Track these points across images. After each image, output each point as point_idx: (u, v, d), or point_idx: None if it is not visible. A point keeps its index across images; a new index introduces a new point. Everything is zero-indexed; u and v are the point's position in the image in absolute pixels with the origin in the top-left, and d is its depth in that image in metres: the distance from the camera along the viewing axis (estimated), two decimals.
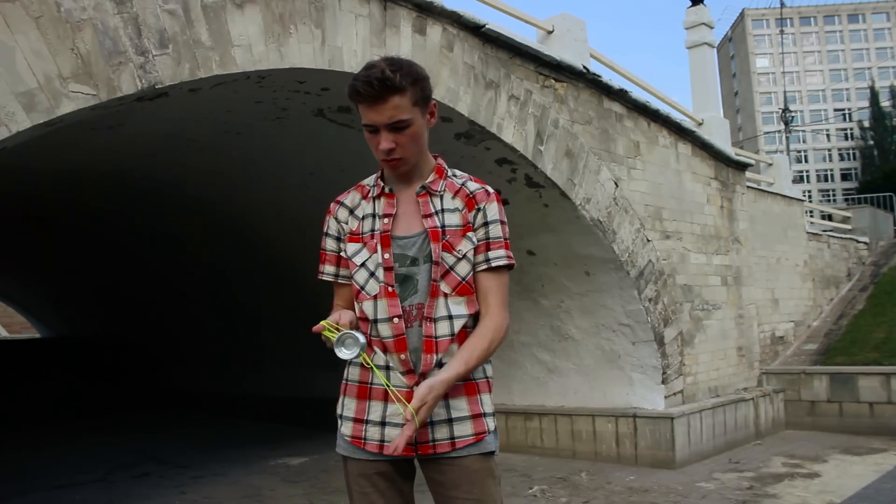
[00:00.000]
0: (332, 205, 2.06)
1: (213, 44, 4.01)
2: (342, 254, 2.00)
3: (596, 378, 7.53)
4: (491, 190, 2.01)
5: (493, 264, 1.94)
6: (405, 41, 5.02)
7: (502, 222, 1.98)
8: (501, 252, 1.95)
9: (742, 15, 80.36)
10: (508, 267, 1.97)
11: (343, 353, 1.85)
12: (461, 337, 1.92)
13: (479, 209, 1.95)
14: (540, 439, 7.69)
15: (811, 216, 13.12)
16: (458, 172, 2.04)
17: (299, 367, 10.41)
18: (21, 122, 3.31)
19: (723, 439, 7.66)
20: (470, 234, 1.94)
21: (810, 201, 16.46)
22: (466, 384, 1.93)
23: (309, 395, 10.27)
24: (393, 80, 1.81)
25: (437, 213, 1.94)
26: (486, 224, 1.95)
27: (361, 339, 1.85)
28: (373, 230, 1.95)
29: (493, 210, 1.97)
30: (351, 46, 4.69)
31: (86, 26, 3.53)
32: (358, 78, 1.84)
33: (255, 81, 4.59)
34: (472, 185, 1.99)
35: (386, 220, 1.94)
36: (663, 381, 7.19)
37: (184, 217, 9.24)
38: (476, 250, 1.94)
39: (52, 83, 3.41)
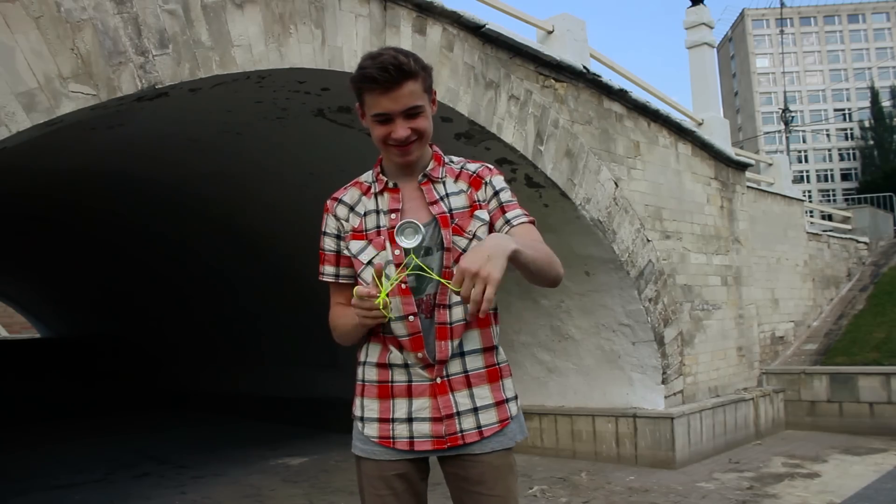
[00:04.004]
0: (328, 202, 2.00)
1: (213, 44, 4.01)
2: (344, 251, 1.95)
3: (596, 378, 7.53)
4: (491, 166, 2.01)
5: (515, 223, 1.90)
6: (405, 41, 5.01)
7: (511, 190, 1.97)
8: (518, 211, 1.93)
9: (742, 15, 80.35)
10: (532, 223, 1.94)
11: (405, 242, 1.76)
12: (477, 320, 1.88)
13: (485, 183, 1.94)
14: (540, 439, 7.69)
15: (811, 216, 13.12)
16: (454, 158, 2.03)
17: (299, 367, 10.42)
18: (21, 122, 3.31)
19: (723, 439, 7.66)
20: (478, 212, 1.91)
21: (810, 201, 16.46)
22: (489, 370, 1.92)
23: (309, 395, 10.28)
24: (408, 64, 1.79)
25: (441, 198, 1.92)
26: (496, 193, 1.94)
27: (422, 228, 1.77)
28: (378, 227, 1.91)
29: (500, 180, 1.96)
30: (351, 46, 4.69)
31: (86, 26, 3.53)
32: (367, 66, 1.80)
33: (255, 81, 4.59)
34: (472, 166, 1.99)
35: (393, 216, 1.90)
36: (663, 381, 7.19)
37: (184, 217, 9.24)
38: (493, 219, 1.92)
39: (52, 83, 3.41)
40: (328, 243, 1.98)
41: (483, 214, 1.91)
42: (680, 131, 7.95)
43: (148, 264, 12.20)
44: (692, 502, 5.70)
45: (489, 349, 1.93)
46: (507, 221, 1.90)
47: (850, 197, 33.49)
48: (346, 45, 4.67)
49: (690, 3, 9.20)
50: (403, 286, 1.86)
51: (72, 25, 3.48)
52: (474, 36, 5.59)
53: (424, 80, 1.84)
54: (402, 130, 1.82)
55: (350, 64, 4.68)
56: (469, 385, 1.89)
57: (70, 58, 3.47)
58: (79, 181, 7.65)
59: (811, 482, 6.23)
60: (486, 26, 5.59)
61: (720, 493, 5.93)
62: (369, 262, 1.89)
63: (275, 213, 8.25)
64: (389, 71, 1.77)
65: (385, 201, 1.93)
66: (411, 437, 1.88)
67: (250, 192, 7.82)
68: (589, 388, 7.59)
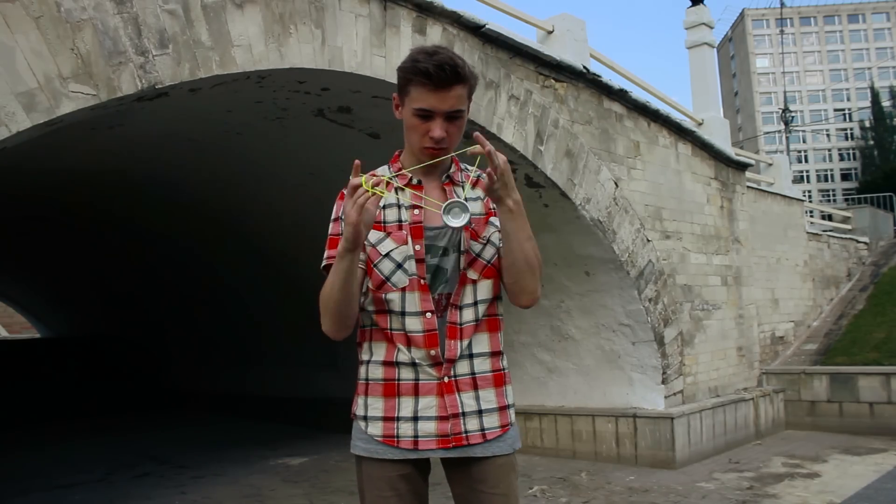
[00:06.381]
0: (345, 192, 1.98)
1: (213, 44, 4.01)
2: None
3: (596, 378, 7.53)
4: None
5: None
6: (405, 41, 5.02)
7: None
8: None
9: (742, 15, 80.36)
10: None
11: (453, 222, 1.78)
12: (487, 324, 1.93)
13: None
14: (540, 439, 7.69)
15: (811, 216, 13.12)
16: (468, 166, 2.08)
17: (299, 367, 10.42)
18: (21, 122, 3.31)
19: (723, 439, 7.66)
20: (493, 218, 1.96)
21: (810, 201, 16.46)
22: (496, 374, 1.95)
23: (309, 395, 10.28)
24: (463, 69, 1.83)
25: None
26: None
27: (469, 207, 1.78)
28: (399, 221, 1.92)
29: None
30: (351, 46, 4.69)
31: (86, 26, 3.53)
32: (423, 60, 1.81)
33: (255, 81, 4.59)
34: None
35: (416, 212, 1.92)
36: (663, 381, 7.19)
37: (183, 217, 9.24)
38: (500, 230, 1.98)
39: (52, 83, 3.41)
40: None
41: (496, 221, 1.95)
42: (680, 131, 7.95)
43: (148, 264, 12.20)
44: (692, 502, 5.70)
45: (496, 354, 1.97)
46: None
47: (850, 197, 33.45)
48: (346, 45, 4.67)
49: (690, 3, 9.20)
50: (422, 282, 1.87)
51: (72, 25, 3.48)
52: (474, 36, 5.59)
53: (471, 88, 1.89)
54: (439, 130, 1.86)
55: (350, 64, 4.68)
56: (476, 387, 1.91)
57: (70, 58, 3.47)
58: (79, 181, 7.65)
59: (811, 482, 6.23)
60: (486, 26, 5.59)
61: (720, 493, 5.93)
62: (387, 255, 1.90)
63: (275, 212, 8.25)
64: (446, 70, 1.80)
65: (407, 196, 1.94)
66: (415, 437, 1.88)
67: (250, 191, 7.82)
68: (589, 388, 7.59)
